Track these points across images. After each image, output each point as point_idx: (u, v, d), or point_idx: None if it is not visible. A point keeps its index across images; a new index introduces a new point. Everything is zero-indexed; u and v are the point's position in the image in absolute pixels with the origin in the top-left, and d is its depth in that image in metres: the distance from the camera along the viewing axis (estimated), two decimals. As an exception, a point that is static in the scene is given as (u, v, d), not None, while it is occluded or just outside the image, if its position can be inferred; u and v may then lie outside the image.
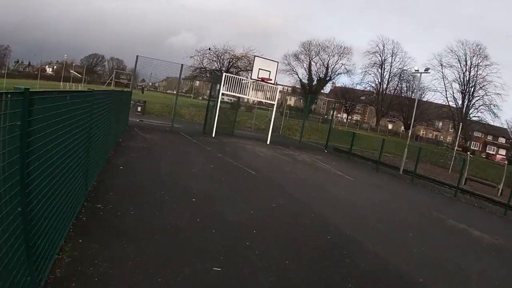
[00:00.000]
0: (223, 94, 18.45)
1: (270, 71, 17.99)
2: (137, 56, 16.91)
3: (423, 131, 68.55)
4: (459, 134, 38.78)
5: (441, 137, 67.05)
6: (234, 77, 18.52)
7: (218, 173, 9.43)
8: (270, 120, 31.06)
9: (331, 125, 24.72)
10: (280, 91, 20.33)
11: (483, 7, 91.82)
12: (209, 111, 18.73)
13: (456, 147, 35.49)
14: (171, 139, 14.73)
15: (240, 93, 18.68)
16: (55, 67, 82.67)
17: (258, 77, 17.78)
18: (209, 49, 34.92)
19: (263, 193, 8.45)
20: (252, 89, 18.93)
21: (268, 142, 19.98)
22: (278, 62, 18.50)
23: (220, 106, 18.72)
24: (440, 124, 66.61)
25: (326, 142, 23.29)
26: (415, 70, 22.62)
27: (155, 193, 6.67)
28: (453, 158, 26.20)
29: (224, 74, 18.33)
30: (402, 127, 65.60)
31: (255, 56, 17.84)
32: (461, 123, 39.17)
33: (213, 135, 18.19)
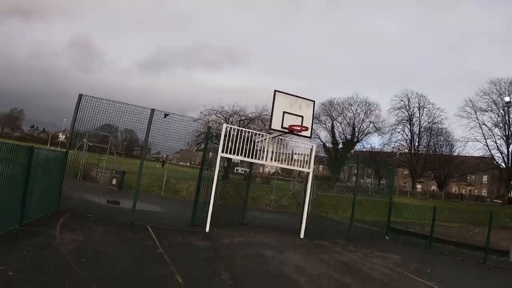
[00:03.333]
0: (225, 159, 11.15)
1: (302, 116, 10.65)
2: (81, 95, 10.08)
3: (455, 187, 60.84)
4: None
5: (475, 191, 60.27)
6: (242, 130, 11.21)
7: None
8: (295, 196, 23.24)
9: (391, 198, 16.41)
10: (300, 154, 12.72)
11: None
12: (201, 189, 11.15)
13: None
14: (106, 248, 6.93)
15: (253, 157, 11.23)
16: (67, 134, 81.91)
17: (283, 127, 10.36)
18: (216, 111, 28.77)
19: None
20: (273, 150, 11.48)
21: (301, 235, 11.99)
22: (314, 102, 11.14)
23: (220, 179, 11.33)
24: (473, 177, 59.40)
25: (387, 224, 15.42)
26: (506, 102, 16.55)
27: None
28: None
29: (225, 125, 11.10)
30: (433, 187, 57.34)
31: (276, 91, 10.50)
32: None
33: (207, 229, 10.40)
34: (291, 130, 10.30)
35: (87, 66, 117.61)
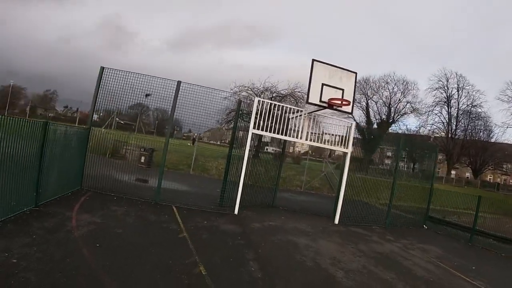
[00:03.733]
0: (255, 137, 10.31)
1: (343, 89, 9.49)
2: (102, 68, 9.46)
3: (490, 176, 56.85)
4: None
5: (510, 181, 55.41)
6: (275, 105, 10.25)
7: None
8: (327, 177, 22.19)
9: (432, 184, 14.92)
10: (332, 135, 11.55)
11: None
12: (230, 168, 10.41)
13: None
14: (125, 231, 6.32)
15: (286, 135, 10.30)
16: (101, 114, 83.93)
17: (321, 101, 9.26)
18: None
19: None
20: (308, 126, 10.45)
21: (336, 221, 11.07)
22: (356, 73, 9.93)
23: (250, 158, 10.51)
24: (509, 166, 54.76)
25: (425, 213, 14.05)
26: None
27: None
28: None
29: (257, 99, 10.18)
30: (467, 174, 53.93)
31: (314, 60, 9.31)
32: None
33: (235, 211, 9.71)
34: (330, 105, 9.16)
35: (118, 46, 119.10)
